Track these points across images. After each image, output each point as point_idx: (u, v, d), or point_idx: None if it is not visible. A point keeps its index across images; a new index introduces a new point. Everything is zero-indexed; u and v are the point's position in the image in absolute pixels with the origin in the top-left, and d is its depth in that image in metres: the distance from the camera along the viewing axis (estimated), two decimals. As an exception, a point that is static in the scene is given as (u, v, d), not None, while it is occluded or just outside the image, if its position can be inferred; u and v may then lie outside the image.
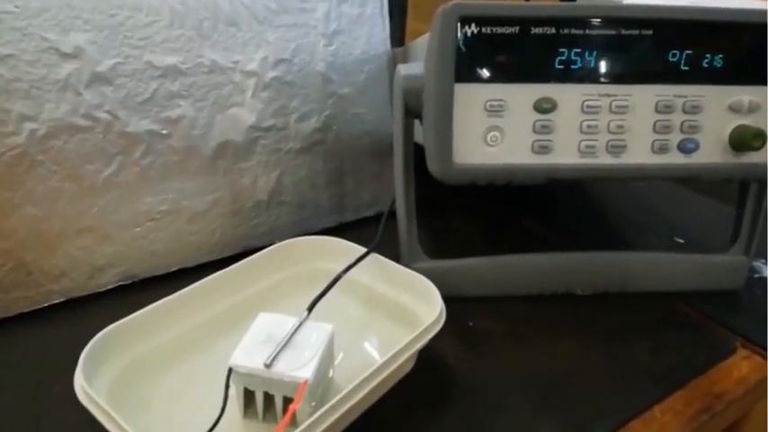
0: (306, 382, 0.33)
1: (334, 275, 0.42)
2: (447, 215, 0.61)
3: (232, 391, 0.35)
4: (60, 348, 0.40)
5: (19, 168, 0.44)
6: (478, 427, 0.37)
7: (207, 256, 0.52)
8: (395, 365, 0.35)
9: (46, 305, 0.46)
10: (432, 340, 0.38)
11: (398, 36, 0.75)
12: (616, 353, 0.44)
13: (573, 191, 0.67)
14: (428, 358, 0.41)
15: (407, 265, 0.45)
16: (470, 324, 0.46)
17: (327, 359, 0.37)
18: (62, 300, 0.47)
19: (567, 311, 0.48)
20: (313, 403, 0.35)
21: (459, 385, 0.41)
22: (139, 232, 0.49)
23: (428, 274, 0.43)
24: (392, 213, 0.49)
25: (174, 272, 0.51)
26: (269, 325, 0.37)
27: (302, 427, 0.31)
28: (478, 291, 0.48)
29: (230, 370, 0.34)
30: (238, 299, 0.43)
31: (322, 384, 0.36)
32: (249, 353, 0.34)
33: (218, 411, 0.33)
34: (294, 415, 0.33)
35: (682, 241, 0.57)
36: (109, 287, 0.49)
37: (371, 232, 0.48)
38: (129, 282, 0.49)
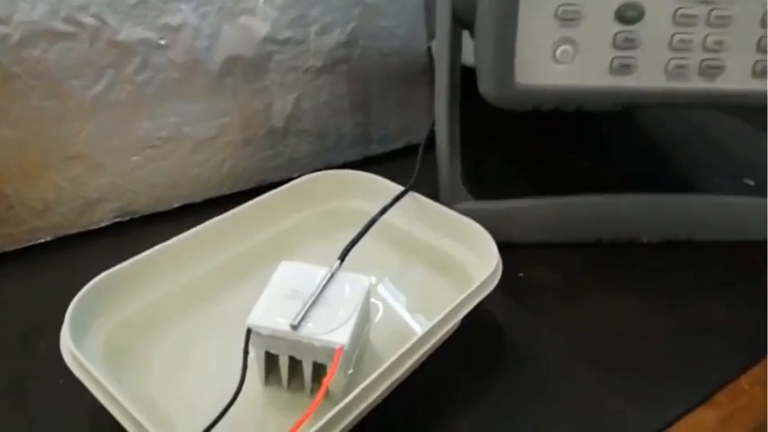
0: (342, 348, 0.27)
1: (364, 217, 0.35)
2: (485, 150, 0.54)
3: (251, 353, 0.29)
4: (48, 295, 0.35)
5: (-10, 82, 0.36)
6: (534, 400, 0.32)
7: (215, 190, 0.45)
8: (443, 330, 0.29)
9: (31, 244, 0.40)
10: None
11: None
12: (688, 311, 0.38)
13: (628, 122, 0.60)
14: (472, 314, 0.35)
15: (448, 206, 0.39)
16: (520, 275, 0.40)
17: (364, 318, 0.31)
18: (49, 238, 0.41)
19: (628, 262, 0.41)
20: (350, 371, 0.29)
21: (510, 348, 0.35)
22: (137, 162, 0.42)
23: (472, 216, 0.37)
24: (429, 145, 0.42)
25: (177, 208, 0.45)
26: (293, 276, 0.30)
27: (341, 405, 0.25)
28: (529, 237, 0.42)
29: (249, 331, 0.28)
30: (253, 243, 0.37)
31: (358, 348, 0.30)
32: (271, 310, 0.28)
33: (235, 379, 0.27)
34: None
35: (752, 183, 0.51)
36: (103, 224, 0.42)
37: (401, 167, 0.41)
38: (126, 218, 0.43)
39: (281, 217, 0.38)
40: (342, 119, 0.49)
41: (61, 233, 0.41)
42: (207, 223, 0.35)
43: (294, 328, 0.27)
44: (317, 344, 0.27)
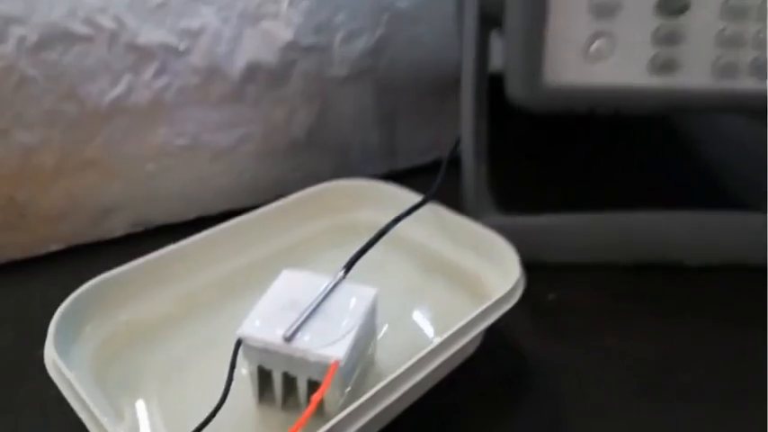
0: (337, 363, 0.24)
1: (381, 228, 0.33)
2: (520, 163, 0.51)
3: (243, 370, 0.27)
4: (54, 305, 0.33)
5: (5, 85, 0.36)
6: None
7: (233, 202, 0.44)
8: (455, 348, 0.26)
9: (42, 253, 0.39)
10: (502, 316, 0.29)
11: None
12: (742, 344, 0.34)
13: (668, 133, 0.55)
14: (494, 338, 0.31)
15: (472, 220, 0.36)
16: (550, 297, 0.36)
17: (368, 333, 0.28)
18: (61, 248, 0.40)
19: (671, 286, 0.37)
20: (347, 389, 0.26)
21: (535, 377, 0.31)
22: (153, 170, 0.41)
23: (498, 231, 0.34)
24: (455, 161, 0.39)
25: (194, 219, 0.43)
26: (294, 286, 0.28)
27: (331, 423, 0.22)
28: (560, 256, 0.38)
29: (239, 342, 0.25)
30: (259, 254, 0.34)
31: (360, 365, 0.28)
32: (266, 321, 0.26)
33: (231, 398, 0.25)
34: (323, 404, 0.25)
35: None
36: (116, 235, 0.41)
37: (427, 183, 0.38)
38: (140, 229, 0.42)
39: (292, 227, 0.36)
40: (367, 131, 0.47)
41: (73, 242, 0.40)
42: (210, 230, 0.33)
43: (287, 340, 0.25)
44: (311, 358, 0.25)
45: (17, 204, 0.38)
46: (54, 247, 0.40)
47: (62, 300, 0.29)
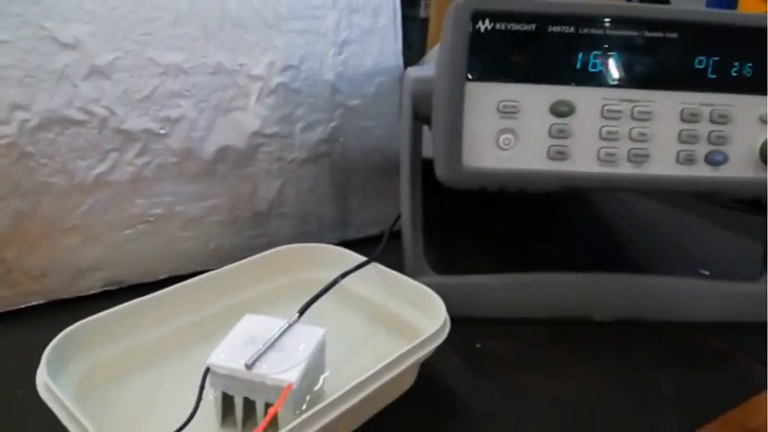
0: (290, 386, 0.29)
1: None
2: (455, 234, 0.58)
3: (210, 396, 0.31)
4: (33, 352, 0.37)
5: (7, 159, 0.41)
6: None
7: (200, 265, 0.49)
8: (390, 375, 0.32)
9: (24, 306, 0.44)
10: (435, 360, 0.35)
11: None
12: (639, 384, 0.40)
13: (588, 216, 0.64)
14: (429, 379, 0.37)
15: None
16: (477, 345, 0.42)
17: (317, 366, 0.33)
18: (41, 302, 0.44)
19: (583, 338, 0.44)
20: (297, 412, 0.31)
21: (463, 411, 0.37)
22: (129, 235, 0.46)
23: (434, 289, 0.40)
24: (398, 231, 0.46)
25: (163, 280, 0.48)
26: (254, 326, 0.33)
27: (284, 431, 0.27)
28: (487, 311, 0.45)
29: (207, 370, 0.30)
30: (223, 305, 0.40)
31: (309, 393, 0.33)
32: (230, 353, 0.31)
33: (195, 428, 0.30)
34: (276, 423, 0.30)
35: (707, 273, 0.54)
36: (93, 292, 0.46)
37: (375, 250, 0.44)
38: (115, 287, 0.47)
39: (252, 283, 0.42)
40: (323, 206, 0.54)
41: (53, 297, 0.44)
42: (180, 284, 0.38)
43: (248, 367, 0.30)
44: (268, 382, 0.30)
45: (5, 261, 0.43)
46: (35, 302, 0.44)
47: (42, 347, 0.34)
